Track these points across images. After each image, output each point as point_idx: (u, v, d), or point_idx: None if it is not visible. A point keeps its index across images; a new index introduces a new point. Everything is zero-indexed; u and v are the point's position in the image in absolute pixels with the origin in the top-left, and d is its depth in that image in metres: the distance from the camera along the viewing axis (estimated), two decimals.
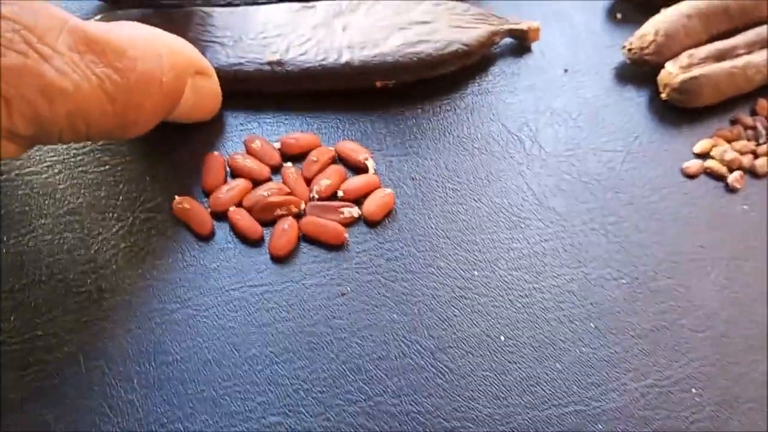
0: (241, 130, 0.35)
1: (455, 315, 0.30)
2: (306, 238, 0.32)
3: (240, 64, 0.35)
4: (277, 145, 0.34)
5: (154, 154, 0.34)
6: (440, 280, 0.31)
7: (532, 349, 0.29)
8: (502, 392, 0.28)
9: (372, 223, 0.33)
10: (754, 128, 0.38)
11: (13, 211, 0.32)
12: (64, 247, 0.31)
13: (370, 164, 0.34)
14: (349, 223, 0.32)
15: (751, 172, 0.36)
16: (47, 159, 0.34)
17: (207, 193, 0.33)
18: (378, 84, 0.36)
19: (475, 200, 0.34)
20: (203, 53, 0.34)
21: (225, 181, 0.33)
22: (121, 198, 0.32)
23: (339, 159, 0.35)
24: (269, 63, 0.35)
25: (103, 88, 0.26)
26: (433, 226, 0.33)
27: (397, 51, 0.35)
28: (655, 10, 0.40)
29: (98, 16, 0.37)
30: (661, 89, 0.38)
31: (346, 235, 0.32)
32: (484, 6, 0.41)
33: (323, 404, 0.28)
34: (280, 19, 0.36)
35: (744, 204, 0.35)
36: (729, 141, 0.37)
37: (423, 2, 0.38)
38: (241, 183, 0.33)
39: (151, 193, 0.33)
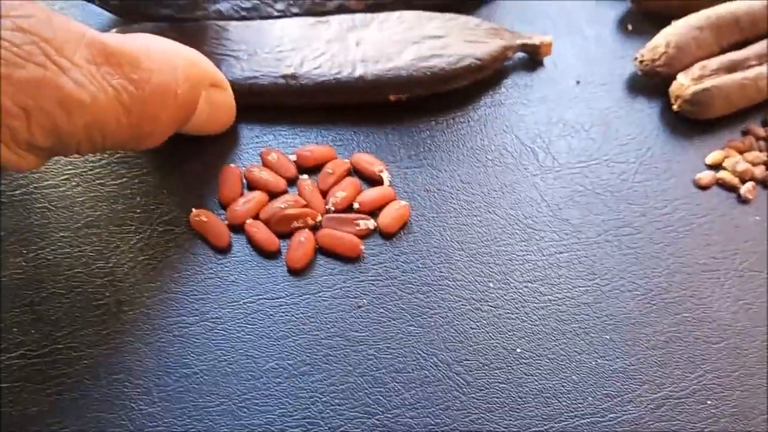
0: (257, 143, 0.36)
1: (471, 327, 0.30)
2: (322, 251, 0.32)
3: (255, 77, 0.35)
4: (293, 157, 0.35)
5: (170, 167, 0.34)
6: (456, 292, 0.31)
7: (548, 361, 0.30)
8: (518, 404, 0.29)
9: (387, 236, 0.33)
10: (765, 139, 0.38)
11: (32, 224, 0.32)
12: (82, 260, 0.31)
13: (385, 176, 0.34)
14: (364, 235, 0.33)
15: (763, 183, 0.36)
16: (65, 172, 0.34)
17: (223, 206, 0.33)
18: (391, 97, 0.36)
19: (489, 212, 0.34)
20: (218, 67, 0.34)
21: (241, 194, 0.33)
22: (138, 211, 0.33)
23: (354, 171, 0.35)
24: (284, 76, 0.35)
25: (119, 100, 0.27)
26: (448, 238, 0.33)
27: (410, 65, 0.36)
28: (666, 22, 0.40)
29: (113, 30, 0.37)
30: (672, 101, 0.38)
31: (362, 247, 0.32)
32: (496, 20, 0.41)
33: (341, 416, 0.28)
34: (294, 34, 0.37)
35: (756, 215, 0.35)
36: (741, 152, 0.37)
37: (436, 17, 0.38)
38: (257, 195, 0.33)
39: (168, 206, 0.33)
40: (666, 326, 0.31)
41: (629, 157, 0.37)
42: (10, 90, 0.24)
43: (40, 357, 0.28)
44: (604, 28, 0.43)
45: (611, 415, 0.28)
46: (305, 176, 0.34)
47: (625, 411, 0.29)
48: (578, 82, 0.40)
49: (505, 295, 0.31)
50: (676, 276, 0.33)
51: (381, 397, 0.28)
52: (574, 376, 0.29)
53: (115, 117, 0.27)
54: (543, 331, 0.30)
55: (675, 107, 0.38)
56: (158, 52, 0.29)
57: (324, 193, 0.34)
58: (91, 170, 0.34)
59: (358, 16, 0.38)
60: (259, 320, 0.30)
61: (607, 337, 0.30)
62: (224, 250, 0.32)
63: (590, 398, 0.29)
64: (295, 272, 0.31)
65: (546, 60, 0.41)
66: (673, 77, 0.38)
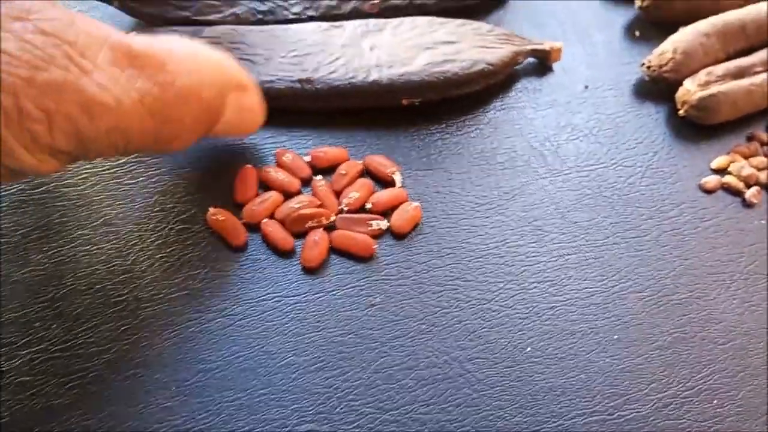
0: (272, 144, 0.36)
1: (482, 327, 0.31)
2: (336, 250, 0.33)
3: (271, 81, 0.36)
4: (307, 158, 0.35)
5: (186, 167, 0.35)
6: (467, 293, 0.32)
7: (557, 360, 0.30)
8: (528, 402, 0.29)
9: (400, 236, 0.33)
10: None
11: (53, 222, 0.33)
12: (101, 258, 0.32)
13: (398, 178, 0.35)
14: (377, 236, 0.33)
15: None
16: (83, 171, 0.35)
17: (239, 205, 0.34)
18: (404, 102, 0.37)
19: (499, 214, 0.35)
20: None
21: (257, 194, 0.34)
22: (156, 209, 0.33)
23: (367, 172, 0.36)
24: (300, 81, 0.36)
25: (143, 103, 0.26)
26: (459, 239, 0.34)
27: (423, 70, 0.36)
28: (673, 29, 0.41)
29: (133, 33, 0.37)
30: (679, 106, 0.39)
31: (375, 247, 0.33)
32: (507, 26, 0.42)
33: (355, 412, 0.28)
34: (309, 39, 0.37)
35: (761, 218, 0.36)
36: (746, 157, 0.38)
37: (448, 22, 0.39)
38: (273, 195, 0.34)
39: (184, 204, 0.34)
40: (672, 327, 0.32)
41: (636, 161, 0.37)
42: (31, 93, 0.23)
43: (62, 351, 0.29)
44: (612, 35, 0.43)
45: (619, 414, 0.29)
46: (319, 177, 0.35)
47: (632, 409, 0.29)
48: (587, 87, 0.40)
49: (515, 295, 0.32)
50: (683, 278, 0.33)
51: (394, 394, 0.29)
52: (582, 375, 0.30)
53: (139, 121, 0.26)
54: (552, 330, 0.31)
55: (681, 112, 0.38)
56: (183, 55, 0.28)
57: (337, 194, 0.34)
58: (109, 170, 0.35)
59: (372, 21, 0.38)
60: (275, 317, 0.31)
61: (615, 337, 0.31)
62: (241, 249, 0.32)
63: (598, 397, 0.29)
64: (310, 271, 0.32)
65: (555, 65, 0.41)
66: (679, 83, 0.39)
